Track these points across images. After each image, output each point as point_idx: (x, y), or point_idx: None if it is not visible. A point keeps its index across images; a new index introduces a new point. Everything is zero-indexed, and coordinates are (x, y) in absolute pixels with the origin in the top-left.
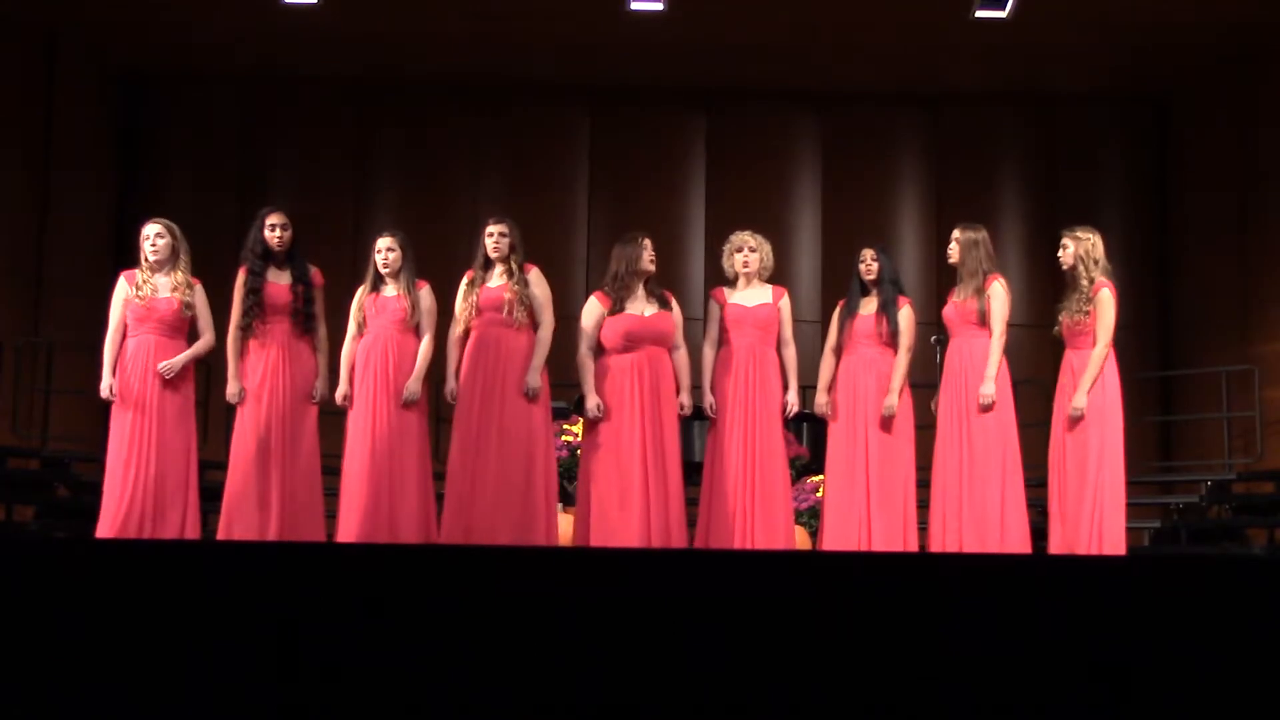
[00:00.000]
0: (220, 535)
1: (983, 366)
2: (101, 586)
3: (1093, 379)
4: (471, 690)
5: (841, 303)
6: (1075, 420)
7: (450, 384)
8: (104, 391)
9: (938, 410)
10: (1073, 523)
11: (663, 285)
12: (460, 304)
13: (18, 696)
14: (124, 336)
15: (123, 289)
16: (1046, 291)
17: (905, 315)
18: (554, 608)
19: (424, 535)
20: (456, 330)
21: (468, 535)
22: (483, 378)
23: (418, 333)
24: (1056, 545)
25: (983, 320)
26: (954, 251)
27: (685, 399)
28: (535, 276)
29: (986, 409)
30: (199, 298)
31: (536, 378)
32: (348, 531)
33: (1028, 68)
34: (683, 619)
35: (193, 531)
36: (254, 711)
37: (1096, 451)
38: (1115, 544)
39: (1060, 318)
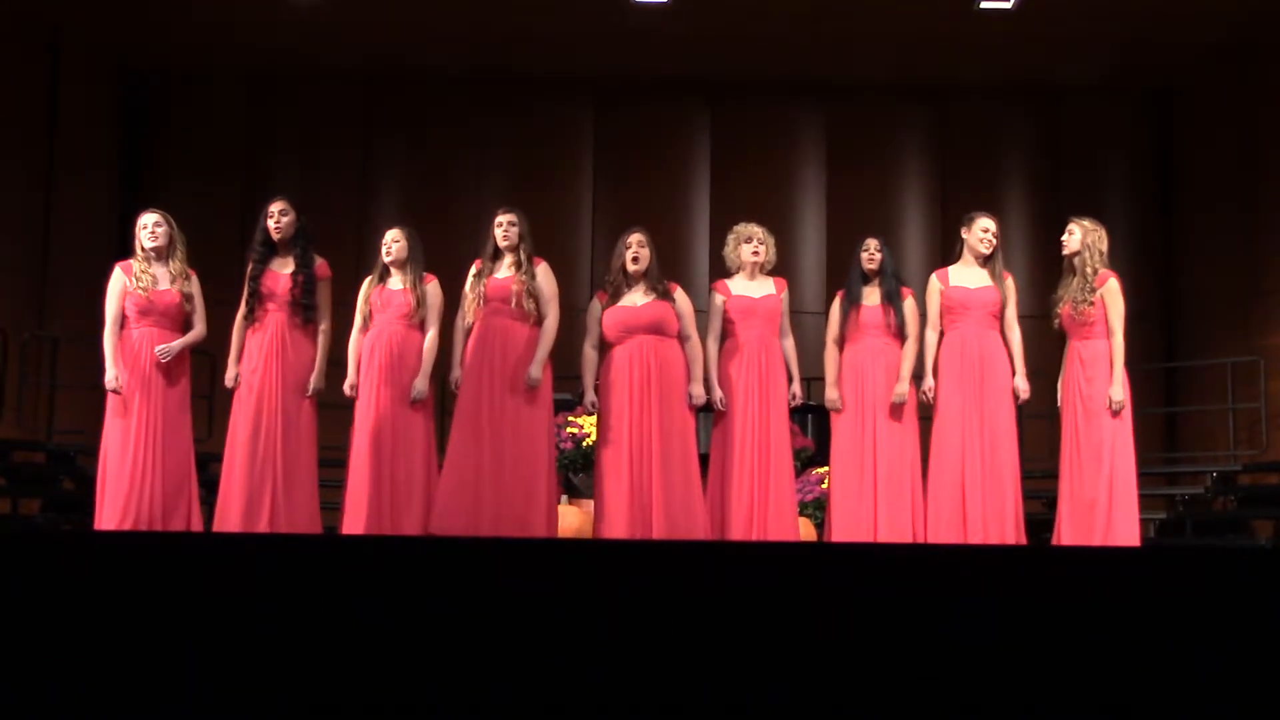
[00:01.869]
0: (215, 524)
1: (999, 358)
2: (106, 579)
3: (1123, 368)
4: (474, 683)
5: (840, 294)
6: (1116, 411)
7: (455, 373)
8: (109, 383)
9: (938, 398)
10: (1088, 513)
11: (667, 278)
12: (468, 294)
13: (23, 688)
14: (122, 328)
15: (119, 281)
16: (1051, 283)
17: (909, 306)
18: (556, 600)
19: (426, 529)
20: (465, 321)
21: (471, 526)
22: (488, 368)
23: (423, 328)
24: (1071, 537)
25: (1000, 312)
26: (993, 243)
27: (696, 389)
28: (544, 270)
29: (1023, 402)
30: (196, 288)
31: (539, 370)
32: (352, 524)
33: (1032, 60)
34: (689, 610)
35: (196, 524)
36: (255, 702)
37: (1110, 442)
38: (1131, 535)
39: (1060, 309)
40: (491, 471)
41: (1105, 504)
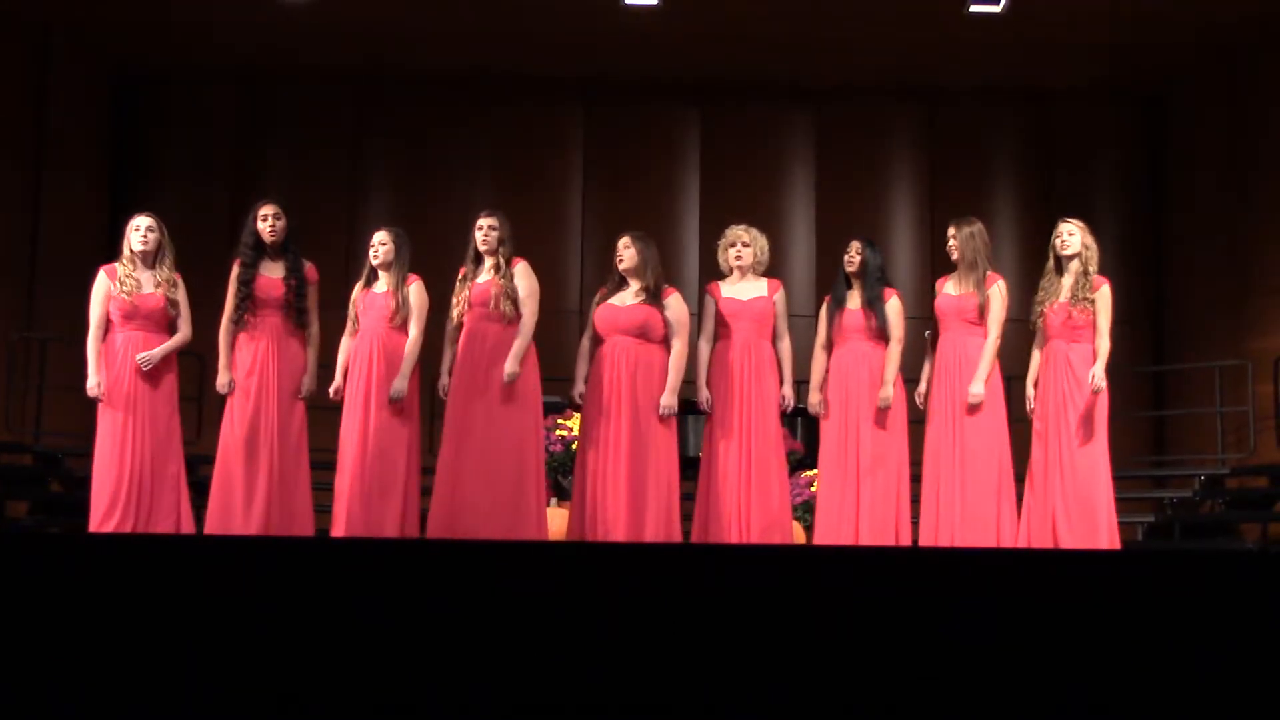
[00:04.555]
0: (208, 527)
1: (977, 364)
2: (96, 581)
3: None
4: (468, 685)
5: (828, 298)
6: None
7: (444, 379)
8: (91, 390)
9: (927, 405)
10: (1092, 517)
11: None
12: (455, 299)
13: (12, 690)
14: (107, 332)
15: (103, 285)
16: None
17: (893, 307)
18: (548, 602)
19: (407, 532)
20: (451, 326)
21: (453, 529)
22: (469, 372)
23: (406, 329)
24: (1081, 540)
25: (981, 316)
26: (954, 247)
27: (667, 399)
28: (521, 269)
29: (975, 409)
30: (182, 293)
31: (515, 365)
32: (337, 526)
33: (1023, 62)
34: (676, 614)
35: (187, 525)
36: (247, 704)
37: (1103, 445)
38: (1116, 538)
39: (1046, 308)
40: (477, 475)
41: (1106, 506)
